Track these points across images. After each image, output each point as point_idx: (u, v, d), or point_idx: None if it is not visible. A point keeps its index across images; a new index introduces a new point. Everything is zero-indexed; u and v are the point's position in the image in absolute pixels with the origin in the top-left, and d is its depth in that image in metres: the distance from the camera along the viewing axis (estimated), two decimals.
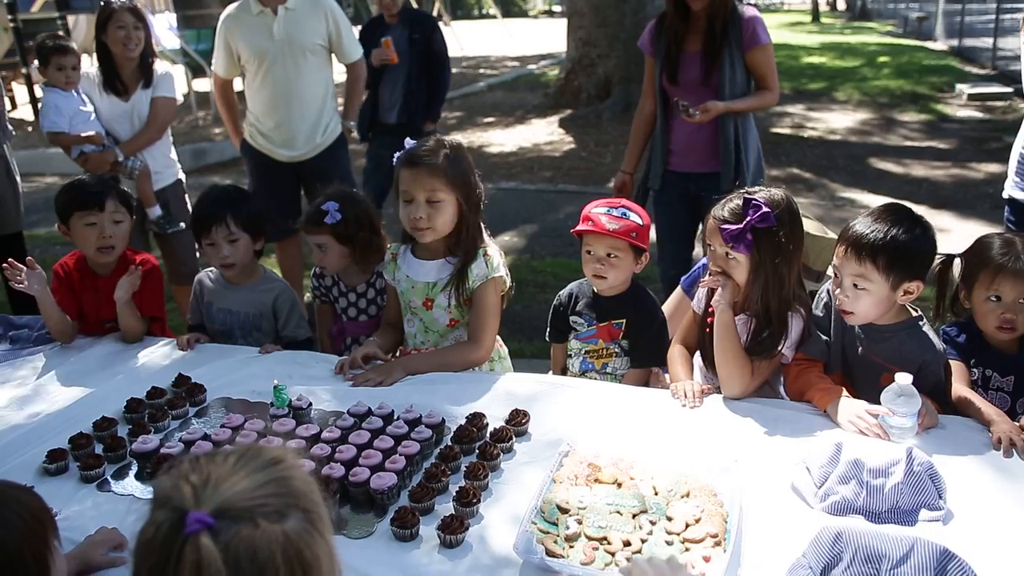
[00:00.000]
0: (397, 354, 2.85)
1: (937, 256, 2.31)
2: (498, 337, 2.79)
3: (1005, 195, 3.29)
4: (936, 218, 6.57)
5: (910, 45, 17.90)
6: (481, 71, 16.86)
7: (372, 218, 3.01)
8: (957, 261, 2.40)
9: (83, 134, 4.02)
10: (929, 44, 17.87)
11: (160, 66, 4.23)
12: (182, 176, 4.45)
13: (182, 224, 4.25)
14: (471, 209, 2.60)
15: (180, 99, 4.31)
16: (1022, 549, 1.69)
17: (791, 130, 10.16)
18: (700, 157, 3.79)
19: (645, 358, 2.65)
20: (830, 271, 2.58)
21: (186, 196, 4.46)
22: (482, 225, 2.69)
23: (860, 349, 2.31)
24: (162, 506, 1.02)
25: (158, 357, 2.80)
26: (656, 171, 3.91)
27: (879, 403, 2.08)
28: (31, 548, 1.34)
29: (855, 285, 2.18)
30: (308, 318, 3.15)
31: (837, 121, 10.61)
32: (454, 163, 2.55)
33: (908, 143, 9.49)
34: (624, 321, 2.65)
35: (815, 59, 16.07)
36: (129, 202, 3.02)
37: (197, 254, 4.47)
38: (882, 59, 15.55)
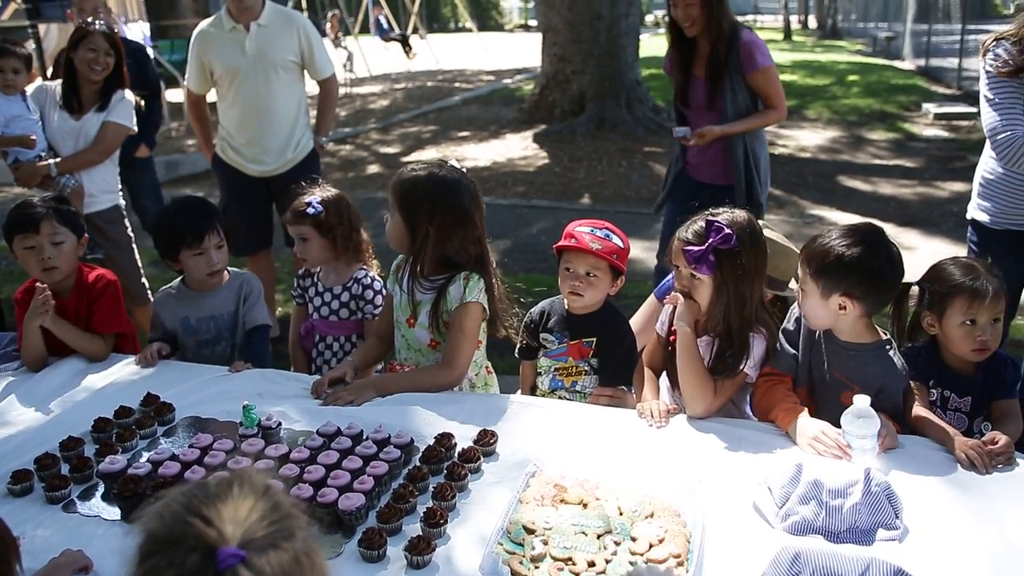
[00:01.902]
0: (381, 366, 2.92)
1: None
2: (488, 363, 2.82)
3: (968, 216, 3.37)
4: (902, 236, 6.69)
5: (879, 64, 18.21)
6: (456, 85, 16.91)
7: (352, 215, 3.15)
8: (915, 289, 2.47)
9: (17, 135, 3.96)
10: (897, 63, 18.20)
11: (126, 95, 4.18)
12: (121, 203, 4.38)
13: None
14: (416, 237, 2.61)
15: (135, 129, 4.27)
16: (974, 564, 1.75)
17: None
18: (712, 172, 4.08)
19: (614, 377, 2.68)
20: (793, 284, 2.68)
21: (126, 221, 4.39)
22: (483, 257, 2.70)
23: (825, 365, 2.37)
24: (173, 547, 1.01)
25: (126, 375, 2.78)
26: (673, 173, 4.24)
27: (836, 421, 2.12)
28: None
29: (801, 288, 2.34)
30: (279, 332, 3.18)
31: (807, 139, 10.77)
32: (411, 189, 2.60)
33: (876, 161, 9.66)
34: (594, 340, 2.68)
35: (787, 77, 16.27)
36: (74, 221, 2.97)
37: (144, 280, 4.45)
38: (852, 78, 15.81)
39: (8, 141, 3.97)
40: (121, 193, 4.41)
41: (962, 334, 2.33)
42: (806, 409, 2.27)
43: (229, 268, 3.11)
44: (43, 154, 4.02)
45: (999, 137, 3.01)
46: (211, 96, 4.61)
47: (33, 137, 3.99)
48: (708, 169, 4.08)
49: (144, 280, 4.49)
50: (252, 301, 3.03)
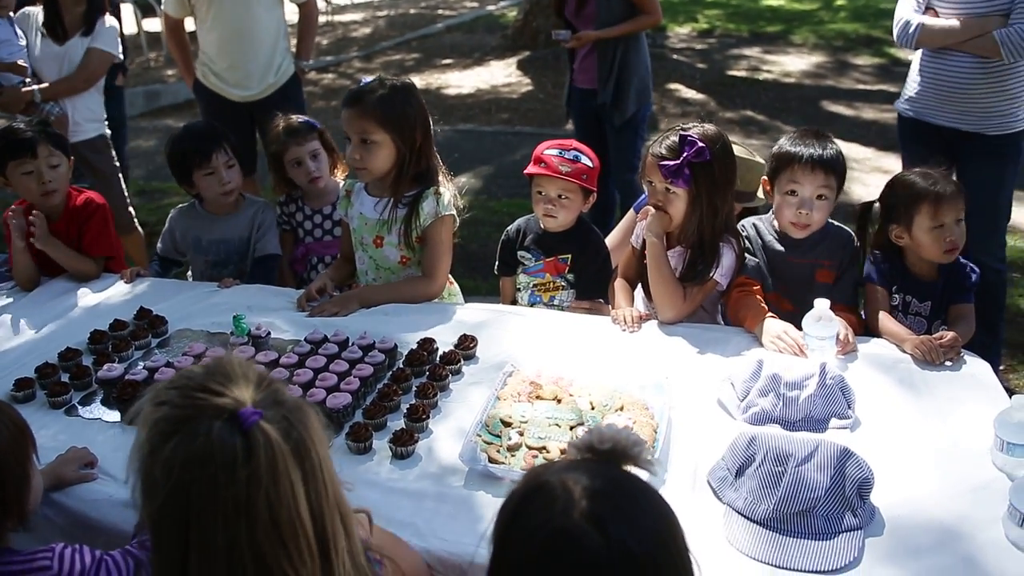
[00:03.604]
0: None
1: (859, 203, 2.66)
2: (450, 275, 2.91)
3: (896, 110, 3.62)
4: (883, 160, 6.75)
5: None
6: (439, 12, 16.59)
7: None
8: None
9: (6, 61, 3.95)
10: None
11: (108, 20, 4.17)
12: (107, 132, 4.39)
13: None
14: (410, 150, 2.63)
15: (120, 57, 4.27)
16: (919, 452, 1.89)
17: (746, 72, 10.25)
18: (587, 77, 4.42)
19: (590, 290, 2.78)
20: (760, 194, 2.79)
21: (111, 150, 4.41)
22: (439, 164, 2.76)
23: (788, 259, 2.57)
24: (193, 421, 1.12)
25: (119, 292, 2.87)
26: (566, 86, 4.64)
27: (811, 305, 2.25)
28: (16, 455, 1.45)
29: (821, 197, 2.48)
30: None
31: (792, 64, 10.71)
32: (388, 103, 2.57)
33: (860, 86, 9.64)
34: (570, 256, 2.76)
35: (774, 2, 16.04)
36: (64, 144, 3.02)
37: (131, 208, 4.50)
38: (839, 2, 15.58)
39: (2, 67, 3.94)
40: (106, 123, 4.42)
41: (932, 239, 2.44)
42: (768, 311, 2.39)
43: (245, 194, 3.20)
44: (28, 80, 4.01)
45: (898, 23, 3.35)
46: (190, 26, 4.58)
47: (25, 64, 3.98)
48: (585, 75, 4.45)
49: (131, 209, 4.54)
50: (265, 229, 3.11)
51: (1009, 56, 3.10)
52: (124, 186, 4.50)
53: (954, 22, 3.20)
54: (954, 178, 2.50)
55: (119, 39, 4.24)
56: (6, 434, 1.45)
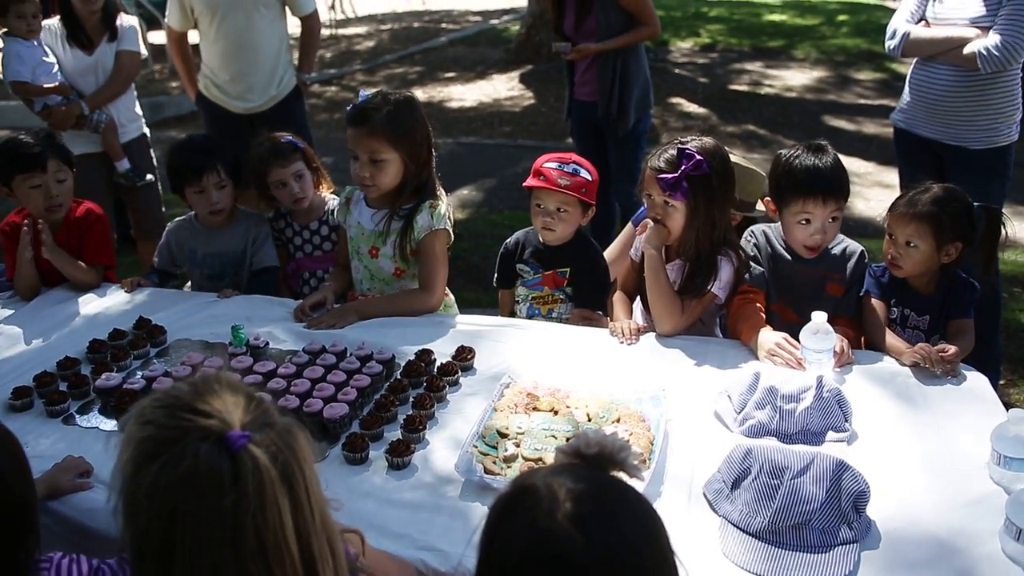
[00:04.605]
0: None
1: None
2: (446, 287, 2.92)
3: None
4: (884, 175, 6.77)
5: (869, 4, 18.00)
6: (443, 26, 16.69)
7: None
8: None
9: (47, 85, 4.00)
10: (889, 3, 18.00)
11: (125, 19, 4.22)
12: (146, 130, 4.47)
13: (150, 177, 4.29)
14: (416, 164, 2.65)
15: (144, 53, 4.33)
16: (916, 467, 1.88)
17: (748, 87, 10.29)
18: (587, 90, 4.46)
19: (588, 303, 2.77)
20: (760, 207, 2.80)
21: (151, 150, 4.48)
22: (436, 179, 2.77)
23: (799, 270, 2.55)
24: (178, 443, 1.09)
25: (118, 302, 2.88)
26: (566, 100, 4.67)
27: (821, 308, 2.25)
28: (28, 477, 1.45)
29: (833, 219, 2.45)
30: None
31: (794, 79, 10.75)
32: (396, 120, 2.58)
33: (862, 101, 9.67)
34: (568, 270, 2.77)
35: (776, 17, 16.12)
36: (69, 157, 3.05)
37: (163, 207, 4.53)
38: (841, 17, 15.66)
39: (46, 91, 3.98)
40: (143, 120, 4.46)
41: (885, 247, 2.49)
42: (765, 322, 2.39)
43: (241, 207, 3.19)
44: (71, 95, 4.05)
45: (889, 32, 3.40)
46: (194, 38, 4.61)
47: (67, 84, 4.02)
48: (585, 88, 4.48)
49: (163, 208, 4.56)
50: (261, 242, 3.10)
51: (985, 66, 3.13)
52: (161, 190, 4.52)
53: (937, 32, 3.23)
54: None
55: (139, 36, 4.30)
56: (21, 456, 1.44)
